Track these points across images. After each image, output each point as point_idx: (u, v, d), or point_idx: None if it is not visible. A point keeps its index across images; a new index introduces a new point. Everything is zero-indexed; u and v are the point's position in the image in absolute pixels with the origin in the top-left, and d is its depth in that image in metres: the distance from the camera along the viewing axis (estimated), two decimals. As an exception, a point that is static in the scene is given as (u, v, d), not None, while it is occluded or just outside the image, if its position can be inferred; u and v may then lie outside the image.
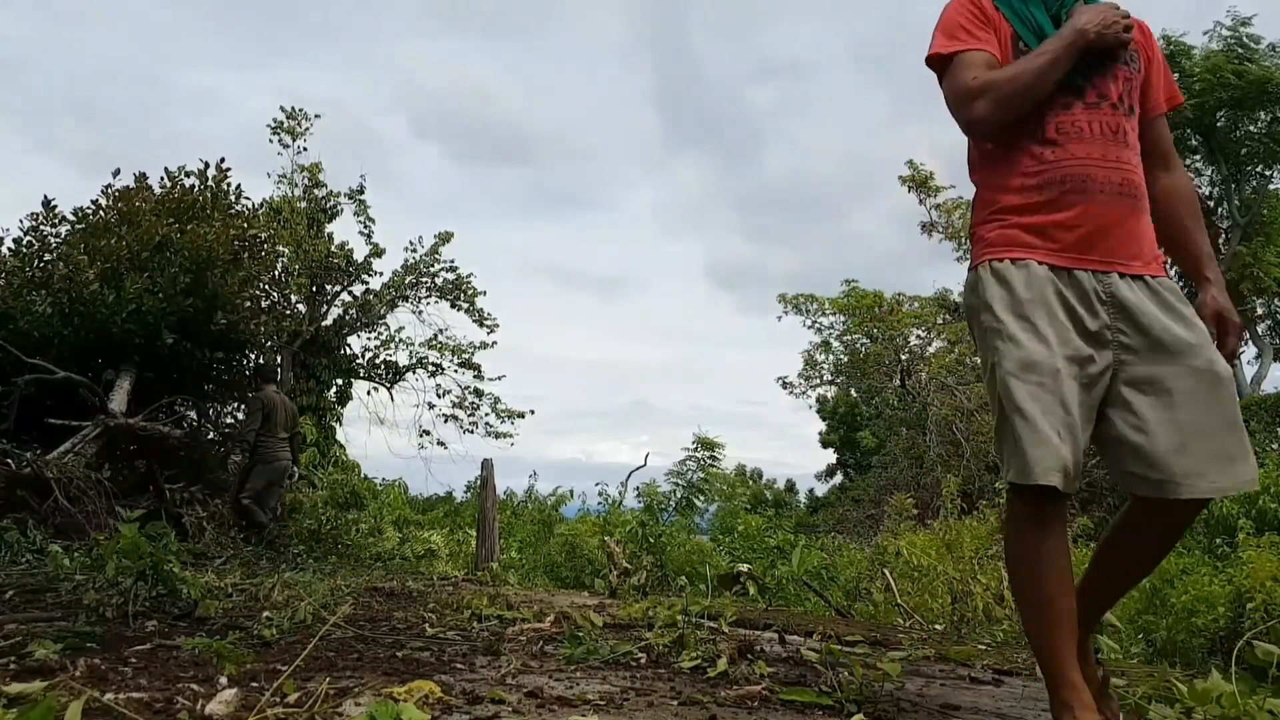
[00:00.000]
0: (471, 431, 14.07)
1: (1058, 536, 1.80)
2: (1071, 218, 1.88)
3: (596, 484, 14.28)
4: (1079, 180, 1.89)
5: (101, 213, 9.34)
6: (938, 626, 5.46)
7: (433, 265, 13.58)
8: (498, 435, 14.11)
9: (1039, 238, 1.90)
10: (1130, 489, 1.84)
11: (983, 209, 2.03)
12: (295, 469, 8.46)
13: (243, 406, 8.85)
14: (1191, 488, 1.76)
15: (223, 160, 10.35)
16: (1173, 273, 2.09)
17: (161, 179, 10.01)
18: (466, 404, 14.08)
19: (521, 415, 14.19)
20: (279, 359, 11.58)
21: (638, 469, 14.09)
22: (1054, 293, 1.85)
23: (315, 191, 13.69)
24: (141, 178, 9.82)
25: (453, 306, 13.78)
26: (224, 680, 2.07)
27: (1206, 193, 21.44)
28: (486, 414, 14.11)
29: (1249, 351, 20.84)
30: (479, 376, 14.03)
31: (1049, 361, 1.79)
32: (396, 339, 13.83)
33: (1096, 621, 2.04)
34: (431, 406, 14.01)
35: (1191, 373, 1.81)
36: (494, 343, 13.92)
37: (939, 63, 2.03)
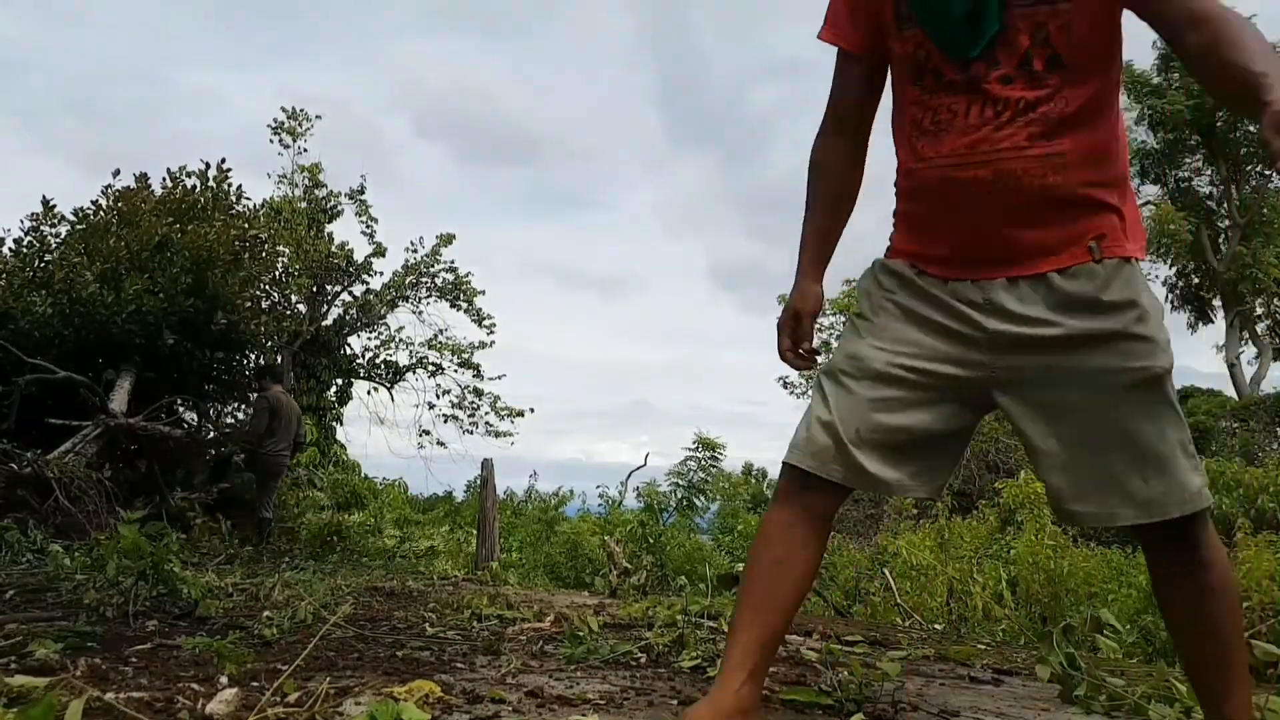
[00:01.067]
0: (471, 431, 14.09)
1: (790, 518, 1.65)
2: (935, 238, 1.65)
3: (598, 486, 14.32)
4: (937, 188, 1.61)
5: (102, 213, 9.35)
6: (937, 626, 5.46)
7: (433, 265, 13.60)
8: (497, 434, 14.13)
9: (913, 253, 1.70)
10: None
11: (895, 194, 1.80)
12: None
13: (243, 406, 8.78)
14: (1078, 514, 1.58)
15: (223, 161, 10.38)
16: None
17: (163, 179, 10.03)
18: (466, 403, 14.10)
19: (521, 414, 14.21)
20: (279, 359, 11.59)
21: (638, 469, 14.10)
22: (917, 294, 1.65)
23: (316, 192, 13.72)
24: (142, 178, 9.84)
25: (452, 306, 13.80)
26: (224, 680, 2.08)
27: (1206, 193, 21.47)
28: (486, 413, 14.13)
29: (1248, 351, 20.85)
30: (479, 376, 14.05)
31: (869, 363, 1.64)
32: (396, 339, 13.86)
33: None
34: (431, 406, 14.03)
35: (1076, 379, 1.53)
36: (493, 342, 13.96)
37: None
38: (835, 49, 1.79)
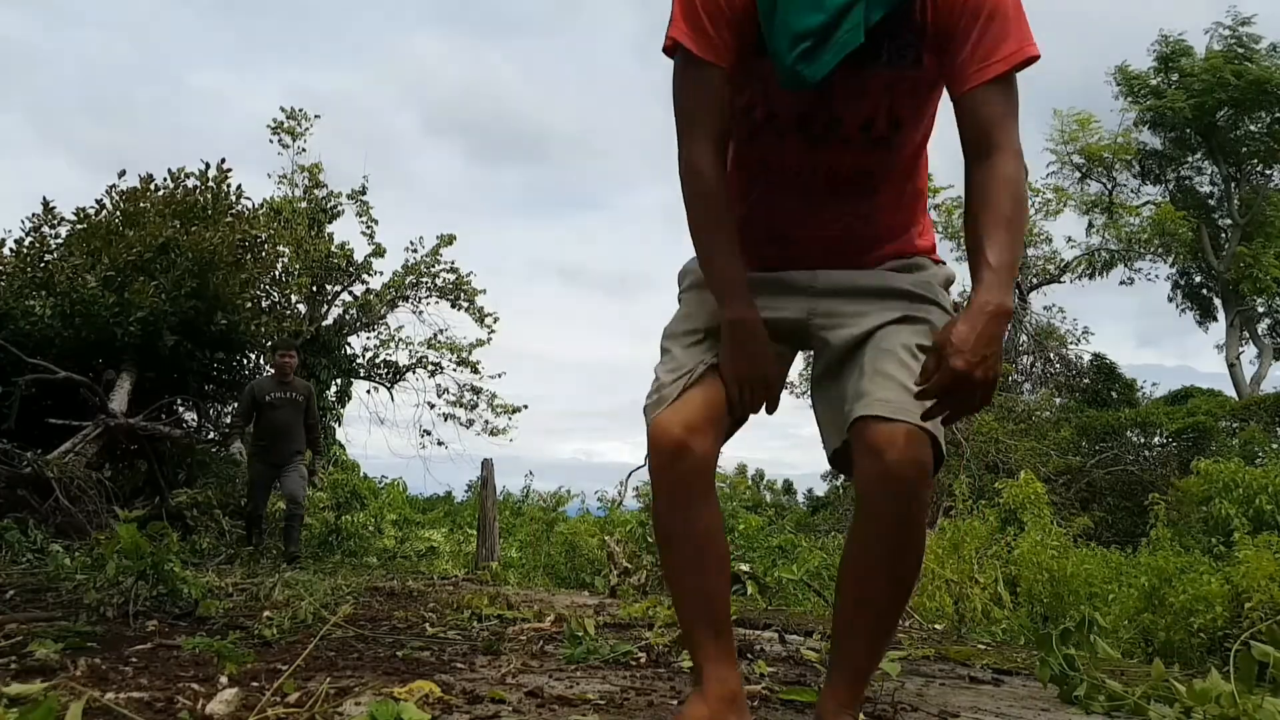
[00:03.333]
0: (469, 425, 14.07)
1: (685, 482, 1.60)
2: (767, 261, 1.69)
3: (596, 490, 14.37)
4: (772, 230, 1.69)
5: (105, 213, 9.35)
6: (937, 626, 5.46)
7: (433, 266, 13.59)
8: (494, 432, 14.10)
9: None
10: None
11: None
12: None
13: (296, 395, 7.31)
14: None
15: (223, 161, 10.37)
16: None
17: (165, 179, 10.02)
18: (465, 401, 14.08)
19: (517, 410, 14.18)
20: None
21: (638, 469, 14.13)
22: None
23: (315, 192, 13.72)
24: (147, 179, 9.83)
25: (453, 306, 13.79)
26: (224, 680, 2.08)
27: (1207, 192, 21.47)
28: (484, 411, 14.12)
29: (1249, 351, 20.85)
30: (476, 374, 14.03)
31: (707, 325, 1.65)
32: (396, 339, 13.84)
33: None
34: (431, 406, 14.02)
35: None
36: (490, 336, 13.89)
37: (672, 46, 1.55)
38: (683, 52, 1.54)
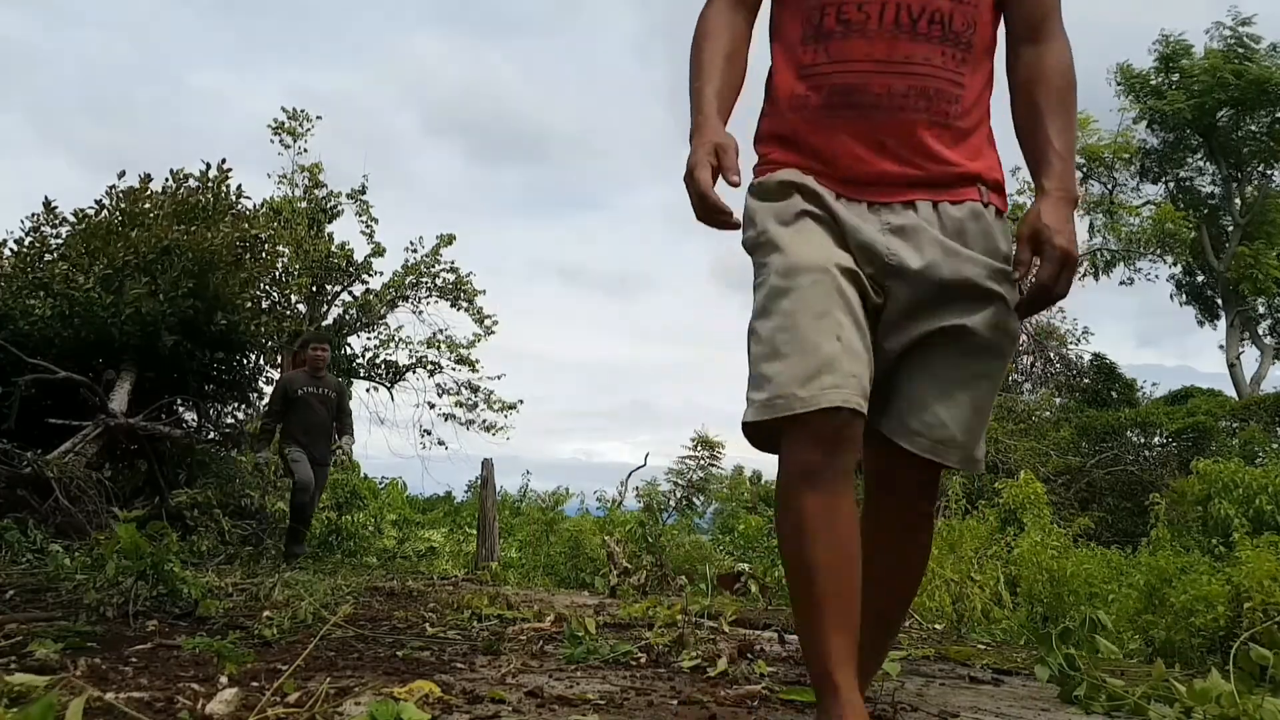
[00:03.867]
0: (469, 425, 14.07)
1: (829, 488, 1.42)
2: (839, 147, 1.53)
3: (595, 491, 14.39)
4: (848, 92, 1.51)
5: (105, 214, 9.34)
6: (937, 626, 5.46)
7: (433, 266, 13.59)
8: (490, 428, 14.11)
9: (809, 169, 1.55)
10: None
11: (764, 115, 1.67)
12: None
13: (328, 391, 7.23)
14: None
15: (224, 161, 10.36)
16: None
17: (166, 180, 10.01)
18: (464, 400, 14.09)
19: (513, 406, 14.18)
20: (279, 358, 11.58)
21: (637, 469, 14.16)
22: (832, 201, 1.53)
23: (315, 192, 13.73)
24: (146, 179, 9.82)
25: (453, 306, 13.79)
26: (224, 680, 2.08)
27: (1208, 192, 21.46)
28: (483, 410, 14.13)
29: (1250, 352, 20.84)
30: (475, 371, 14.04)
31: (819, 262, 1.46)
32: (396, 338, 13.85)
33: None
34: (432, 406, 14.02)
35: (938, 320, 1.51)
36: (488, 331, 13.86)
37: None
38: None
